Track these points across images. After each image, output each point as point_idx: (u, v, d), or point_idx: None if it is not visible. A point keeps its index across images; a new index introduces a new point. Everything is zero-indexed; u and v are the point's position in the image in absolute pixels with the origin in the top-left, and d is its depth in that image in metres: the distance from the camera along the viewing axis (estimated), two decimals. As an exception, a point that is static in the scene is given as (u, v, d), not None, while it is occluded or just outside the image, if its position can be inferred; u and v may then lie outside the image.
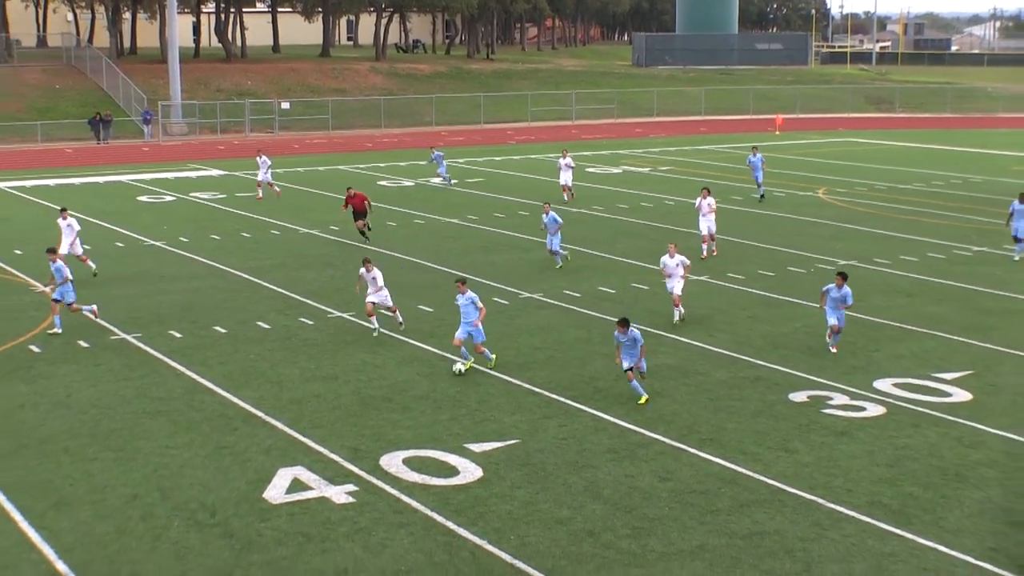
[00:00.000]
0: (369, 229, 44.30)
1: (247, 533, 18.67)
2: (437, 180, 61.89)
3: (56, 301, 31.09)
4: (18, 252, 41.83)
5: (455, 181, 61.96)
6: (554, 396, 25.51)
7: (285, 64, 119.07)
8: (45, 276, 37.78)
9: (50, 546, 18.26)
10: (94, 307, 32.19)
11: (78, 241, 38.36)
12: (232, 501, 19.98)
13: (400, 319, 31.06)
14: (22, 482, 20.94)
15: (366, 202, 44.11)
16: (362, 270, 30.57)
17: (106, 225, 49.06)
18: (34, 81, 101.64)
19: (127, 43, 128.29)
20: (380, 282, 30.34)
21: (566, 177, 54.31)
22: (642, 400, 24.73)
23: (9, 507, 19.82)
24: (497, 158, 76.05)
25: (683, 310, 31.53)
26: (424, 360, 28.34)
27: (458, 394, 25.73)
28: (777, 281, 36.89)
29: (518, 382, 26.59)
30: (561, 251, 39.05)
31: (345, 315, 32.82)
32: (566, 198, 53.85)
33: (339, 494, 20.21)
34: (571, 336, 30.67)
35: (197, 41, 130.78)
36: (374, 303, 30.38)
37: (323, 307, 33.60)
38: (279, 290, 36.19)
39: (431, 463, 21.69)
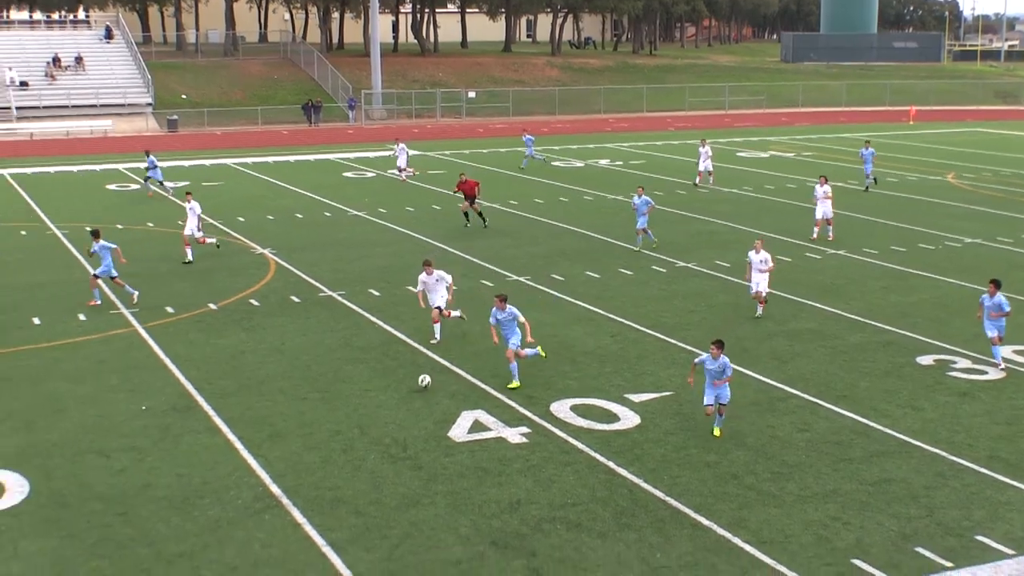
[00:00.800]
0: (483, 218, 41.97)
1: (433, 466, 18.96)
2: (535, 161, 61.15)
3: (96, 277, 30.18)
4: (241, 219, 42.82)
5: (554, 162, 61.64)
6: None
7: (472, 58, 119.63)
8: (265, 240, 38.80)
9: (266, 472, 18.79)
10: (136, 292, 30.55)
11: (199, 223, 36.16)
12: (421, 438, 20.30)
13: (463, 317, 27.04)
14: (243, 416, 21.55)
15: (476, 188, 41.78)
16: (423, 275, 26.55)
17: (316, 197, 49.98)
18: (256, 72, 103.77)
19: (335, 39, 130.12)
20: (445, 284, 26.34)
21: (705, 164, 53.43)
22: (717, 432, 20.48)
23: (232, 438, 20.44)
24: (658, 143, 75.48)
25: (765, 299, 28.84)
26: (590, 320, 28.36)
27: (620, 351, 25.73)
28: (908, 256, 36.07)
29: (673, 341, 26.49)
30: (647, 232, 37.08)
31: (521, 279, 33.00)
32: (697, 181, 52.83)
33: (514, 435, 20.40)
34: (720, 301, 30.42)
35: (396, 37, 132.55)
36: (440, 308, 26.32)
37: (501, 271, 33.80)
38: (464, 256, 36.50)
39: (595, 410, 21.76)
